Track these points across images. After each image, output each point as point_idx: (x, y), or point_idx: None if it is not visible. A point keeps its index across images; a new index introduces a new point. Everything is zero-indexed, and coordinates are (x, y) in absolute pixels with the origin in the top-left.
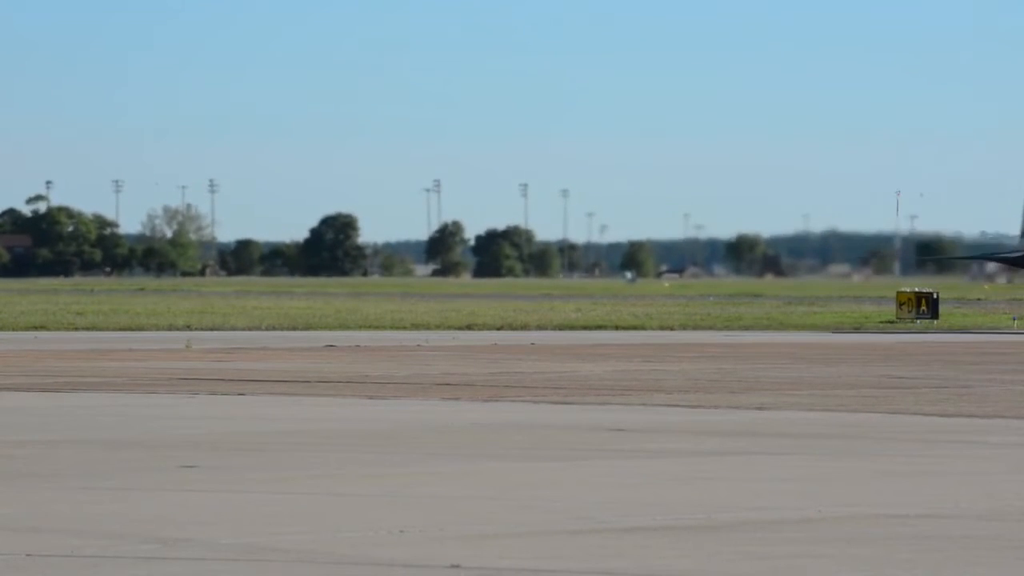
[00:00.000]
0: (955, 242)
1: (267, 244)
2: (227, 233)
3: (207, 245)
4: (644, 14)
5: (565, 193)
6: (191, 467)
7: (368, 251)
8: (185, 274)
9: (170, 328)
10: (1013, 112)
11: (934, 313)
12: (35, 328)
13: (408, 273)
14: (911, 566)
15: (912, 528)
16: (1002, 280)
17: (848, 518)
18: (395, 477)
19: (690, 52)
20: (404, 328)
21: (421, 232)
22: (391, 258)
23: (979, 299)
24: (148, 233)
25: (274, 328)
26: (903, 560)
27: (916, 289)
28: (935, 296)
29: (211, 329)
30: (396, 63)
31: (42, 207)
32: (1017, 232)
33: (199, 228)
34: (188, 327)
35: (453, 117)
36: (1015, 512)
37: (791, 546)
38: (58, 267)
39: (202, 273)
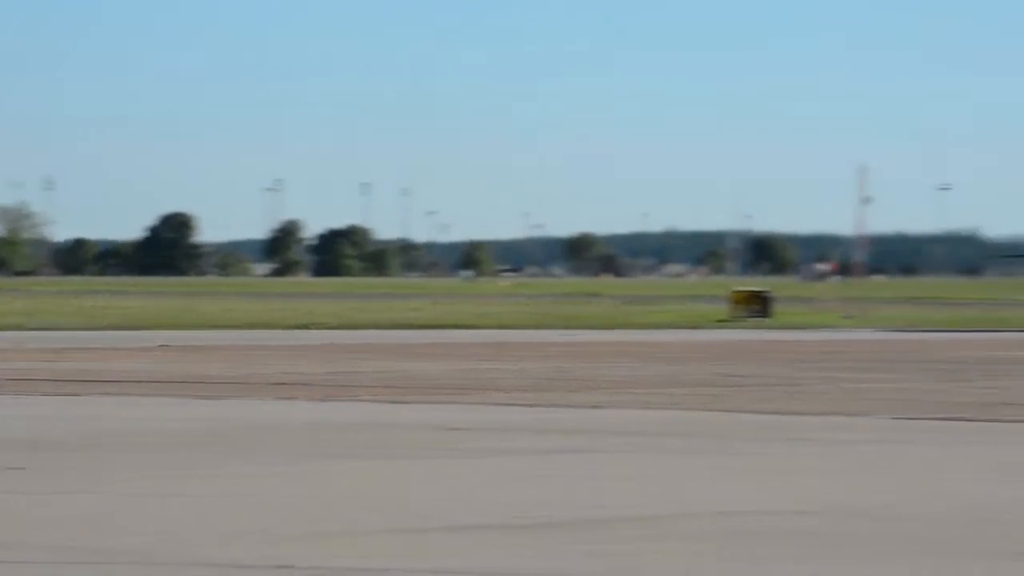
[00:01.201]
0: (789, 240)
1: (103, 243)
2: (64, 232)
3: (40, 244)
4: (472, 11)
5: (406, 192)
6: (19, 469)
7: (206, 250)
8: (20, 273)
9: (2, 328)
10: (844, 112)
11: (768, 312)
12: None
13: (246, 272)
14: (745, 562)
15: (746, 524)
16: (834, 280)
17: (685, 515)
18: (229, 477)
19: (523, 51)
20: (240, 327)
21: (261, 231)
22: (229, 257)
23: (812, 298)
24: None
25: (107, 328)
26: (737, 555)
27: (750, 288)
28: (769, 295)
29: (42, 329)
30: (235, 61)
31: None
32: None
33: (33, 226)
34: (19, 327)
35: (295, 117)
36: (843, 508)
37: (629, 544)
38: None
39: (36, 273)
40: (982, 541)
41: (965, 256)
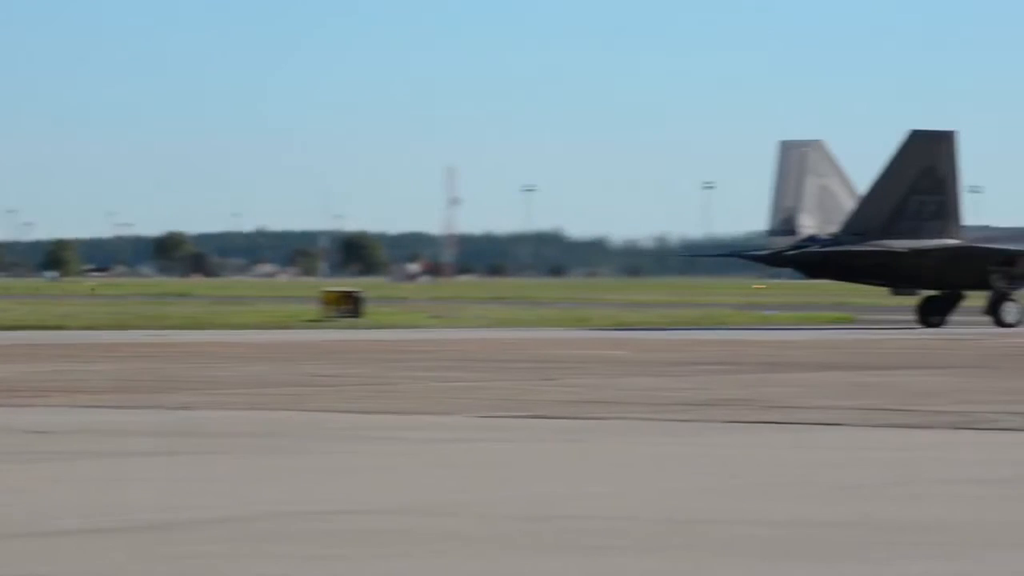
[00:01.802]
0: (380, 240)
1: None
2: None
3: None
4: (62, 3)
5: None
6: None
7: None
8: None
9: None
10: (432, 111)
11: (358, 312)
12: None
13: None
14: (326, 562)
15: (329, 524)
16: (425, 280)
17: (269, 516)
18: None
19: (113, 43)
20: None
21: None
22: None
23: (402, 298)
24: None
25: None
26: (319, 556)
27: (341, 288)
28: (359, 295)
29: None
30: None
31: None
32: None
33: None
34: None
35: None
36: (423, 506)
37: (209, 545)
38: None
39: None
40: (549, 536)
41: (549, 256)
